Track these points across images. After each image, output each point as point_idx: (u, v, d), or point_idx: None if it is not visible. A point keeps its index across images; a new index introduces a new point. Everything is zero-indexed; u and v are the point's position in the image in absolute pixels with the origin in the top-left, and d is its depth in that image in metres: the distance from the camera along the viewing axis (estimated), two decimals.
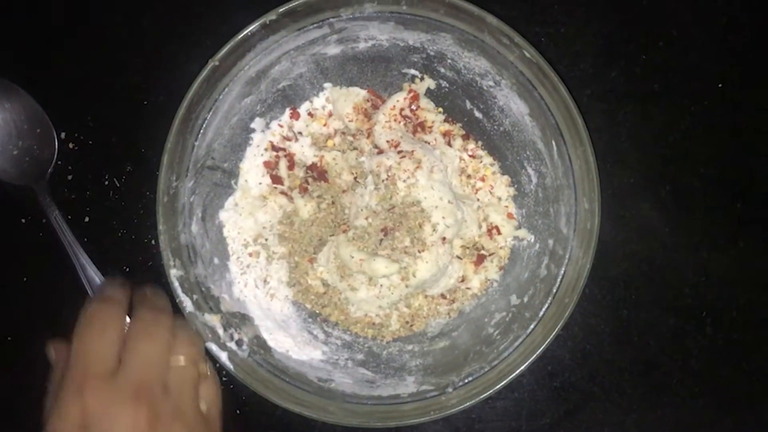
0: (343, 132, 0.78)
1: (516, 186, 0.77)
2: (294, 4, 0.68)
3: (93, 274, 0.77)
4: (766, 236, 0.80)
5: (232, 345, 0.71)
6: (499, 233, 0.76)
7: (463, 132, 0.78)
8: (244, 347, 0.71)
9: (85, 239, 0.79)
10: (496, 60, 0.71)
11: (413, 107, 0.77)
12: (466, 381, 0.70)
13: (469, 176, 0.77)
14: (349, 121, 0.77)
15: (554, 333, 0.68)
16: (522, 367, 0.68)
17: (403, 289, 0.71)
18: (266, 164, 0.77)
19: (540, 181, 0.74)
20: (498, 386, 0.68)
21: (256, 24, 0.68)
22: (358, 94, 0.77)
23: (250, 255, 0.76)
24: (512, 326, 0.72)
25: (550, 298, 0.70)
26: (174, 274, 0.69)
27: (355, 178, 0.76)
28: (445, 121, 0.78)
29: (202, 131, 0.71)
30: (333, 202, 0.75)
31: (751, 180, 0.80)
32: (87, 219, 0.80)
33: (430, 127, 0.77)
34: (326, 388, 0.71)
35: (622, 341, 0.79)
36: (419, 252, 0.70)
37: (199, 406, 0.63)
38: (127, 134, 0.80)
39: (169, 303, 0.69)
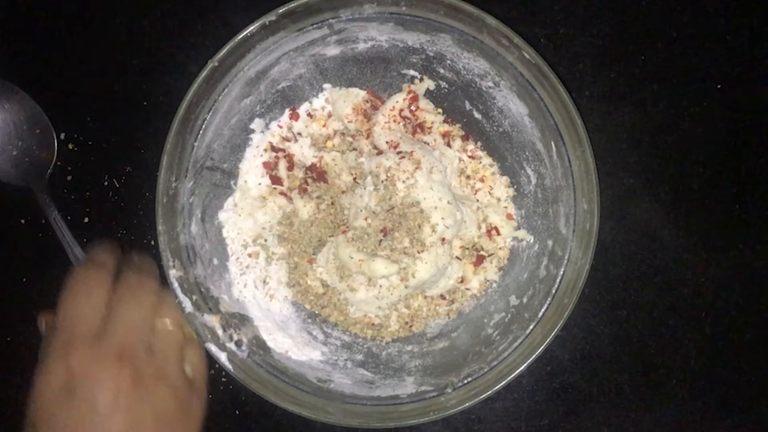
0: (343, 133, 0.78)
1: (515, 187, 0.77)
2: (293, 5, 0.68)
3: None
4: (765, 237, 0.80)
5: (232, 345, 0.71)
6: (499, 234, 0.76)
7: (463, 133, 0.78)
8: (244, 348, 0.71)
9: (85, 240, 0.79)
10: (495, 61, 0.71)
11: (412, 108, 0.77)
12: (466, 382, 0.70)
13: (468, 177, 0.77)
14: (349, 121, 0.77)
15: (553, 334, 0.68)
16: (521, 368, 0.68)
17: (402, 290, 0.71)
18: (265, 165, 0.77)
19: (539, 181, 0.74)
20: (497, 387, 0.68)
21: (256, 25, 0.68)
22: (358, 94, 0.77)
23: (250, 255, 0.76)
24: (511, 327, 0.72)
25: (549, 299, 0.70)
26: (173, 274, 0.69)
27: (354, 179, 0.76)
28: (445, 121, 0.78)
29: (201, 132, 0.71)
30: (332, 203, 0.75)
31: (750, 181, 0.80)
32: (86, 219, 0.80)
33: (430, 128, 0.77)
34: (325, 388, 0.71)
35: (621, 342, 0.79)
36: (418, 253, 0.70)
37: (183, 369, 0.64)
38: (127, 135, 0.80)
39: (156, 267, 0.69)
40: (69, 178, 0.80)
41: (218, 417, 0.79)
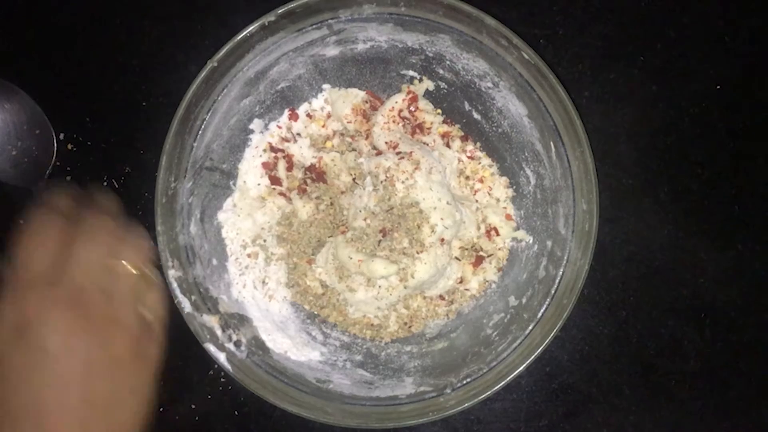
0: (342, 133, 0.78)
1: (514, 187, 0.77)
2: (293, 5, 0.68)
3: None
4: (764, 238, 0.80)
5: (231, 346, 0.71)
6: (498, 234, 0.76)
7: (462, 133, 0.78)
8: (243, 348, 0.71)
9: None
10: (494, 61, 0.71)
11: (412, 108, 0.77)
12: (465, 382, 0.70)
13: (467, 177, 0.77)
14: (348, 122, 0.77)
15: (553, 334, 0.68)
16: (520, 369, 0.68)
17: (401, 290, 0.71)
18: (265, 165, 0.77)
19: (538, 182, 0.74)
20: (496, 387, 0.68)
21: (255, 25, 0.68)
22: (357, 95, 0.78)
23: (249, 256, 0.76)
24: (511, 327, 0.72)
25: (548, 300, 0.70)
26: (172, 274, 0.69)
27: (353, 179, 0.76)
28: (444, 122, 0.78)
29: (200, 132, 0.71)
30: (331, 203, 0.75)
31: (749, 182, 0.80)
32: None
33: (429, 129, 0.77)
34: (324, 389, 0.71)
35: (620, 343, 0.79)
36: (418, 253, 0.70)
37: (141, 314, 0.61)
38: (126, 135, 0.80)
39: (119, 206, 0.67)
40: (68, 178, 0.80)
41: (217, 417, 0.79)
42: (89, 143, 0.81)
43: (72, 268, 0.58)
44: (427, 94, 0.78)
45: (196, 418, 0.79)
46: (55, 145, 0.80)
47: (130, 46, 0.81)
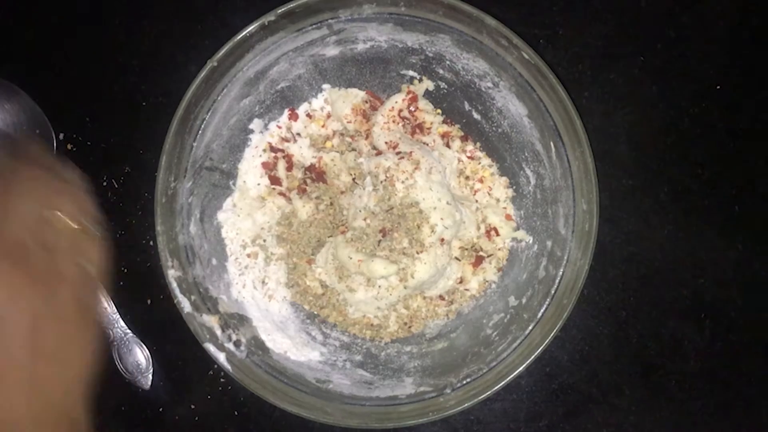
0: (342, 133, 0.78)
1: (514, 187, 0.77)
2: (293, 5, 0.68)
3: None
4: (764, 238, 0.80)
5: (230, 346, 0.71)
6: (498, 234, 0.76)
7: (462, 133, 0.78)
8: (242, 348, 0.71)
9: None
10: (494, 61, 0.71)
11: (412, 108, 0.77)
12: (465, 382, 0.70)
13: (467, 177, 0.77)
14: (348, 122, 0.77)
15: (553, 334, 0.68)
16: (520, 369, 0.68)
17: (401, 290, 0.71)
18: (264, 165, 0.77)
19: (538, 182, 0.74)
20: (496, 387, 0.68)
21: (255, 25, 0.68)
22: (357, 95, 0.77)
23: (249, 256, 0.76)
24: (510, 327, 0.72)
25: (548, 300, 0.70)
26: (172, 274, 0.69)
27: (353, 179, 0.76)
28: (444, 122, 0.78)
29: (200, 132, 0.71)
30: (331, 203, 0.75)
31: (749, 182, 0.80)
32: None
33: (429, 129, 0.77)
34: (324, 389, 0.71)
35: (620, 343, 0.79)
36: (417, 253, 0.70)
37: (83, 267, 0.59)
38: (126, 135, 0.80)
39: (53, 155, 0.65)
40: None
41: (217, 417, 0.79)
42: (89, 143, 0.81)
43: (9, 222, 0.56)
44: (427, 94, 0.78)
45: (196, 418, 0.79)
46: (55, 145, 0.79)
47: (130, 46, 0.81)
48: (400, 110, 0.76)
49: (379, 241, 0.70)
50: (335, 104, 0.77)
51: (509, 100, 0.73)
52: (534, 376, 0.79)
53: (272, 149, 0.77)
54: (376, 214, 0.71)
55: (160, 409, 0.79)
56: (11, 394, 0.52)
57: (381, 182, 0.71)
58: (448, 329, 0.76)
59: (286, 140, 0.77)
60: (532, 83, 0.69)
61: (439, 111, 0.78)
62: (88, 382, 0.58)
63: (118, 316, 0.78)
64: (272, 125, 0.77)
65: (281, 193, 0.76)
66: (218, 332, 0.70)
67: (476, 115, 0.77)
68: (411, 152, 0.72)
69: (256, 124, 0.76)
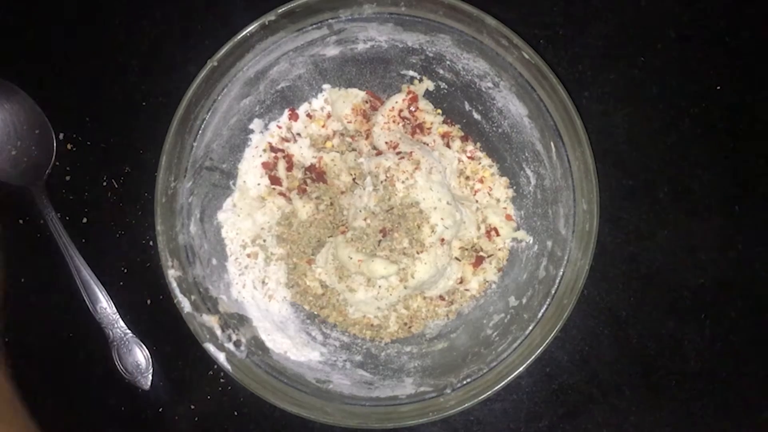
0: (342, 133, 0.78)
1: (515, 187, 0.77)
2: (293, 5, 0.68)
3: (87, 277, 0.77)
4: (764, 238, 0.80)
5: (230, 346, 0.70)
6: (498, 235, 0.76)
7: (462, 133, 0.78)
8: (242, 348, 0.71)
9: (83, 240, 0.79)
10: (494, 61, 0.71)
11: (412, 108, 0.77)
12: (465, 382, 0.70)
13: (467, 178, 0.77)
14: (348, 122, 0.77)
15: (553, 334, 0.68)
16: (520, 369, 0.68)
17: (401, 291, 0.71)
18: (265, 165, 0.77)
19: (539, 182, 0.74)
20: (496, 388, 0.68)
21: (255, 25, 0.68)
22: (357, 95, 0.77)
23: (249, 256, 0.76)
24: (511, 328, 0.72)
25: (548, 300, 0.70)
26: (172, 274, 0.69)
27: (353, 180, 0.75)
28: (444, 122, 0.78)
29: (200, 132, 0.71)
30: (331, 203, 0.75)
31: (749, 182, 0.80)
32: (85, 220, 0.80)
33: (429, 129, 0.77)
34: (324, 389, 0.71)
35: (620, 343, 0.79)
36: (418, 253, 0.70)
37: None
38: (126, 135, 0.80)
39: None
40: (68, 178, 0.80)
41: (217, 417, 0.79)
42: (89, 143, 0.80)
43: None
44: (427, 94, 0.78)
45: (196, 419, 0.79)
46: (55, 145, 0.79)
47: (130, 46, 0.81)
48: (401, 110, 0.76)
49: (380, 241, 0.70)
50: (335, 104, 0.77)
51: (509, 100, 0.73)
52: (534, 377, 0.79)
53: (272, 149, 0.77)
54: (376, 214, 0.71)
55: (160, 409, 0.79)
56: None
57: (381, 182, 0.71)
58: (449, 329, 0.76)
59: (287, 140, 0.77)
60: (532, 83, 0.69)
61: (439, 111, 0.78)
62: None
63: (118, 316, 0.78)
64: (272, 125, 0.77)
65: (281, 193, 0.76)
66: (218, 332, 0.70)
67: (476, 115, 0.77)
68: (411, 152, 0.72)
69: (256, 124, 0.76)
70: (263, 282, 0.76)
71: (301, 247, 0.75)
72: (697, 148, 0.80)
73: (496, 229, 0.76)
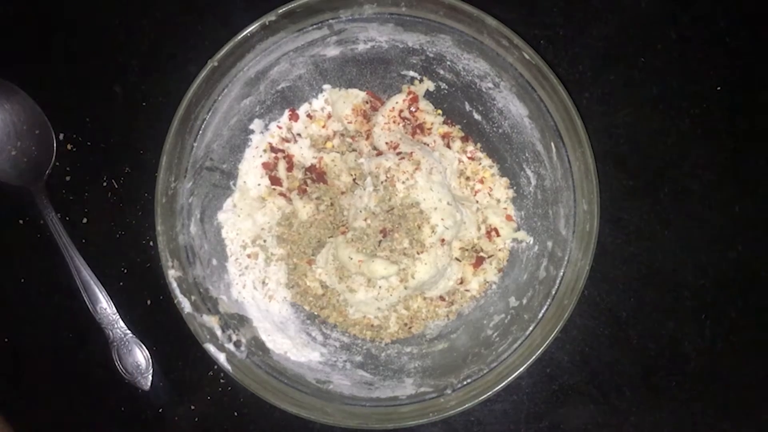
0: (342, 134, 0.78)
1: (515, 188, 0.77)
2: (293, 5, 0.68)
3: (87, 277, 0.77)
4: (764, 239, 0.80)
5: (231, 346, 0.70)
6: (498, 235, 0.76)
7: (462, 134, 0.78)
8: (243, 348, 0.71)
9: (84, 240, 0.79)
10: (495, 62, 0.71)
11: (412, 109, 0.77)
12: (465, 383, 0.70)
13: (468, 178, 0.77)
14: (348, 122, 0.77)
15: (553, 335, 0.68)
16: (521, 369, 0.68)
17: (401, 291, 0.71)
18: (265, 165, 0.77)
19: (539, 183, 0.74)
20: (497, 388, 0.68)
21: (256, 25, 0.68)
22: (357, 95, 0.77)
23: (249, 256, 0.76)
24: (511, 328, 0.72)
25: (549, 300, 0.70)
26: (172, 274, 0.69)
27: (354, 180, 0.75)
28: (444, 122, 0.78)
29: (200, 132, 0.71)
30: (332, 204, 0.75)
31: (749, 183, 0.80)
32: (85, 220, 0.80)
33: (429, 129, 0.77)
34: (324, 389, 0.71)
35: (621, 344, 0.79)
36: (418, 253, 0.70)
37: None
38: (126, 136, 0.80)
39: None
40: (68, 178, 0.80)
41: (217, 418, 0.79)
42: (89, 143, 0.80)
43: None
44: (428, 95, 0.78)
45: (196, 419, 0.79)
46: (55, 145, 0.79)
47: (130, 46, 0.81)
48: (401, 111, 0.76)
49: (380, 242, 0.70)
50: (336, 105, 0.77)
51: (510, 100, 0.73)
52: (534, 377, 0.79)
53: (273, 149, 0.77)
54: (376, 214, 0.71)
55: (160, 410, 0.79)
56: None
57: (381, 183, 0.71)
58: (449, 330, 0.76)
59: (287, 140, 0.77)
60: (532, 84, 0.69)
61: (439, 111, 0.78)
62: None
63: (118, 316, 0.78)
64: (273, 125, 0.77)
65: (282, 194, 0.76)
66: (218, 333, 0.70)
67: (477, 116, 0.77)
68: (411, 153, 0.72)
69: (256, 125, 0.76)
70: (263, 282, 0.76)
71: (302, 247, 0.75)
72: (697, 148, 0.80)
73: (496, 230, 0.76)
